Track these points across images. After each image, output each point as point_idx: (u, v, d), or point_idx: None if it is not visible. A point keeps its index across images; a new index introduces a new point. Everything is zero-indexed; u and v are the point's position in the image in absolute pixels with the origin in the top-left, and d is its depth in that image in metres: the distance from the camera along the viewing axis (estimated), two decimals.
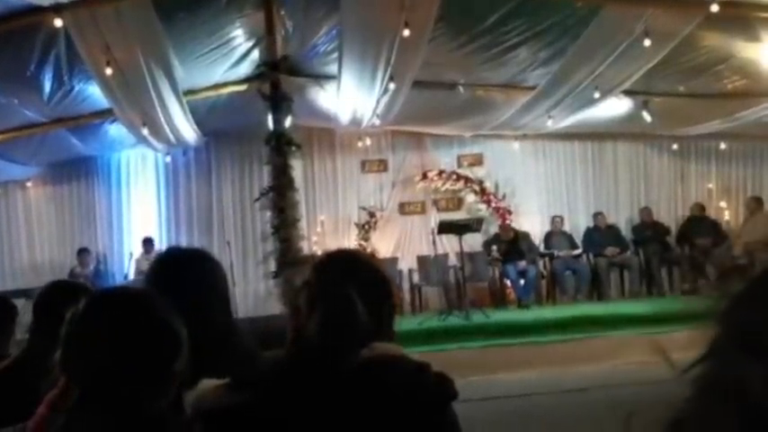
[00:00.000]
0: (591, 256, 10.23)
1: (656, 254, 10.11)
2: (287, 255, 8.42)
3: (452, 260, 9.95)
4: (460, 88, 9.04)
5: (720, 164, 11.41)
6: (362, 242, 10.54)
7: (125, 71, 7.27)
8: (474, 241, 10.00)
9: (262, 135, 8.67)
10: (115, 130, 9.39)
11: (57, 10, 6.27)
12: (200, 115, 9.00)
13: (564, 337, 7.27)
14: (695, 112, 9.65)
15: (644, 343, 6.37)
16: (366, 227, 10.70)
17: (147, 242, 10.07)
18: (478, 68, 8.41)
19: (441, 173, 10.90)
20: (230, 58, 8.22)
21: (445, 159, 11.04)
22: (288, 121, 8.45)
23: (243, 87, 8.90)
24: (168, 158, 10.63)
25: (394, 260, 10.06)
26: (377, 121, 9.53)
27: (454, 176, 10.92)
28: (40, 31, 6.69)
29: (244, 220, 10.69)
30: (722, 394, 0.54)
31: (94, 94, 8.01)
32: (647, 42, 7.08)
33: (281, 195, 8.49)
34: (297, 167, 9.06)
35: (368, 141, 10.76)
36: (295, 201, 8.72)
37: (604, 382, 5.73)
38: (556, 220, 10.51)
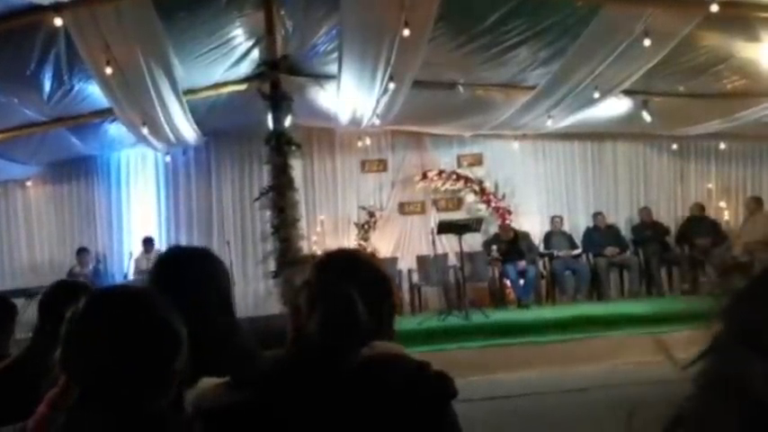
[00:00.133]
0: (590, 256, 10.24)
1: (655, 254, 10.11)
2: (287, 254, 8.42)
3: (452, 260, 9.95)
4: (460, 88, 9.04)
5: (720, 164, 11.41)
6: (362, 242, 10.55)
7: (125, 70, 7.27)
8: (474, 241, 10.00)
9: (262, 135, 8.68)
10: (115, 129, 9.39)
11: (57, 9, 6.27)
12: (199, 115, 9.00)
13: (564, 337, 7.27)
14: (695, 112, 9.66)
15: (644, 343, 6.38)
16: (366, 227, 10.70)
17: (148, 242, 10.07)
18: (478, 68, 8.41)
19: (440, 173, 10.91)
20: (230, 58, 8.22)
21: (445, 159, 11.04)
22: (288, 121, 8.45)
23: (243, 87, 8.90)
24: (168, 158, 10.63)
25: (393, 260, 10.06)
26: (377, 121, 9.53)
27: (454, 176, 10.92)
28: (39, 30, 6.69)
29: (243, 220, 10.70)
30: (723, 391, 0.54)
31: (94, 93, 8.01)
32: (646, 42, 7.08)
33: (280, 195, 8.49)
34: (297, 167, 9.06)
35: (368, 141, 10.76)
36: (295, 200, 8.72)
37: (604, 382, 5.73)
38: (555, 220, 10.51)
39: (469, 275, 9.28)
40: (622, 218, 11.05)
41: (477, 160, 11.06)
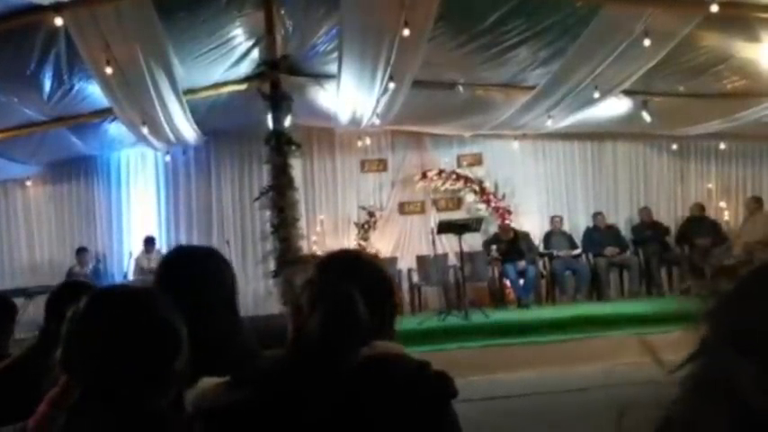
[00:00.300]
0: (590, 256, 10.23)
1: (655, 254, 10.11)
2: (286, 254, 8.42)
3: (452, 260, 9.95)
4: (460, 88, 9.03)
5: (720, 164, 11.41)
6: (362, 242, 10.54)
7: (125, 70, 7.27)
8: (473, 241, 9.99)
9: (261, 134, 8.68)
10: (115, 129, 9.38)
11: (57, 9, 6.27)
12: (199, 114, 9.00)
13: (563, 337, 7.27)
14: (695, 112, 9.65)
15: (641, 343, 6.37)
16: (365, 226, 10.69)
17: (149, 241, 10.06)
18: (478, 68, 8.41)
19: (440, 172, 10.90)
20: (230, 58, 8.22)
21: (445, 159, 11.03)
22: (287, 121, 8.45)
23: (243, 87, 8.90)
24: (168, 157, 10.62)
25: (393, 260, 10.05)
26: (376, 121, 9.53)
27: (454, 176, 10.92)
28: (40, 29, 6.69)
29: (243, 220, 10.70)
30: (712, 393, 0.54)
31: (94, 93, 8.01)
32: (646, 42, 7.08)
33: (280, 195, 8.50)
34: (296, 167, 9.06)
35: (367, 141, 10.76)
36: (294, 200, 8.72)
37: (604, 382, 5.71)
38: (555, 220, 10.51)
39: (469, 275, 9.27)
40: (622, 218, 11.04)
41: (477, 160, 11.06)
